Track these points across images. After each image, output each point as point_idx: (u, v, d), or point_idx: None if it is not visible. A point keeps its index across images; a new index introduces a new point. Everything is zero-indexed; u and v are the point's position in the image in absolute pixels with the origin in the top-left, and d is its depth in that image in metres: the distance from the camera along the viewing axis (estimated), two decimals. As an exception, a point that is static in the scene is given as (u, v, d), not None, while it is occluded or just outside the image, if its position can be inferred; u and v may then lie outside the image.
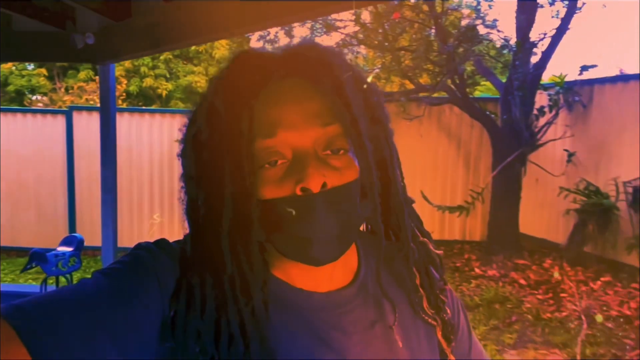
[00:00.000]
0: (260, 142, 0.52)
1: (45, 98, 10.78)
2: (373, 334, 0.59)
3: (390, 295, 0.61)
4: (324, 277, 0.59)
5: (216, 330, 0.51)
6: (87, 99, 9.62)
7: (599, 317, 3.76)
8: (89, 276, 0.53)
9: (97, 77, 10.20)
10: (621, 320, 3.98)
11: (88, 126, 6.36)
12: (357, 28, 6.21)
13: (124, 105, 9.47)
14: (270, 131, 0.52)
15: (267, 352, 0.51)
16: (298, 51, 0.58)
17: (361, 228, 0.66)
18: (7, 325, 0.43)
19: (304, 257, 0.54)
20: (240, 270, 0.53)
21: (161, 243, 0.57)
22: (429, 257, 0.65)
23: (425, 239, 0.65)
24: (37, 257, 3.60)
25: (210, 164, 0.54)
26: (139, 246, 0.56)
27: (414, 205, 0.66)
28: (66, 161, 6.36)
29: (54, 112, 6.62)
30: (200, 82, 11.63)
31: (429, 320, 0.62)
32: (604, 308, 4.19)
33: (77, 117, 6.37)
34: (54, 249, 3.81)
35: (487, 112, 5.97)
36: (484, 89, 8.95)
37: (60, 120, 6.37)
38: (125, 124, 6.26)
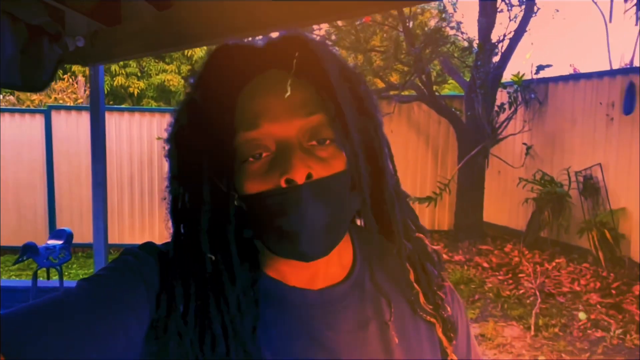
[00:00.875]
0: (244, 135, 0.52)
1: (12, 97, 10.63)
2: (368, 332, 0.57)
3: (388, 292, 0.60)
4: (318, 274, 0.58)
5: (200, 332, 0.50)
6: (56, 98, 9.56)
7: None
8: (73, 270, 0.59)
9: (65, 76, 10.16)
10: (571, 295, 4.42)
11: (67, 125, 6.47)
12: (330, 30, 6.50)
13: (81, 103, 9.40)
14: (253, 123, 0.51)
15: (251, 352, 0.51)
16: (280, 42, 0.56)
17: (358, 223, 0.65)
18: None
19: (292, 253, 0.53)
20: (217, 270, 0.52)
21: (147, 246, 0.57)
22: (425, 253, 0.63)
23: (421, 235, 0.64)
24: (29, 250, 3.76)
25: (192, 160, 0.53)
26: (125, 251, 0.56)
27: None
28: (45, 160, 6.44)
29: (33, 112, 6.67)
30: (172, 80, 11.61)
31: (428, 317, 0.61)
32: (557, 285, 4.64)
33: (55, 116, 6.45)
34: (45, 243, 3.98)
35: (453, 109, 6.38)
36: (452, 87, 9.40)
37: (39, 120, 6.44)
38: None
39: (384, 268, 0.62)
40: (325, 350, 0.55)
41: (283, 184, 0.50)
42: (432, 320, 0.61)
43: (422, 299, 0.61)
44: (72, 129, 6.48)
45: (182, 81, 11.77)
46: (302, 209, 0.50)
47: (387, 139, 0.60)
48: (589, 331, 3.77)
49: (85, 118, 6.50)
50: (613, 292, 4.37)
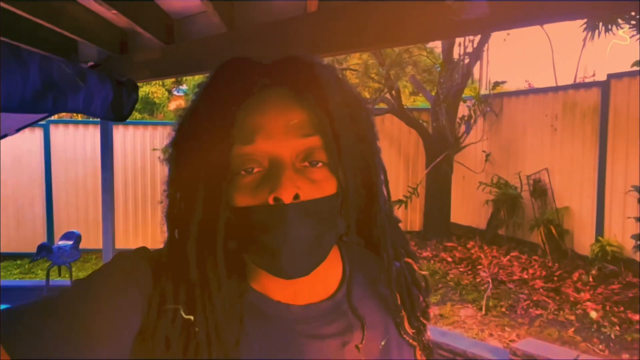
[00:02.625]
0: (239, 148, 0.53)
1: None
2: (351, 348, 0.58)
3: (374, 313, 0.61)
4: (304, 290, 0.59)
5: (185, 338, 0.51)
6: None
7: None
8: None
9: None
10: (520, 282, 5.09)
11: (64, 138, 6.95)
12: (309, 49, 7.16)
13: (79, 118, 9.79)
14: (249, 138, 0.53)
15: None
16: (285, 62, 0.58)
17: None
18: None
19: (273, 269, 0.53)
20: (204, 278, 0.53)
21: (141, 251, 0.58)
22: (413, 278, 0.65)
23: (410, 260, 0.65)
24: (44, 249, 4.24)
25: (190, 167, 0.55)
26: (120, 256, 0.57)
27: None
28: (44, 171, 6.90)
29: (32, 125, 7.12)
30: (157, 93, 11.98)
31: (410, 340, 0.63)
32: (509, 274, 5.30)
33: (54, 130, 6.94)
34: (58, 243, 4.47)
35: (421, 121, 7.07)
36: (423, 99, 10.13)
37: (38, 133, 6.91)
38: (92, 136, 6.89)
39: (373, 290, 0.64)
40: None
41: (271, 201, 0.51)
42: (414, 343, 0.63)
43: (406, 323, 0.63)
44: (70, 142, 6.97)
45: (167, 93, 12.22)
46: (286, 228, 0.51)
47: (383, 166, 0.62)
48: (530, 310, 4.43)
49: (81, 132, 7.00)
50: (555, 278, 5.05)
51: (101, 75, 1.36)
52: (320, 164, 0.54)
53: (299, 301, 0.59)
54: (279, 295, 0.58)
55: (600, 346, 3.70)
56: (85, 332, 0.47)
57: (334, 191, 0.54)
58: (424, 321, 0.65)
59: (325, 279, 0.61)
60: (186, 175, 0.55)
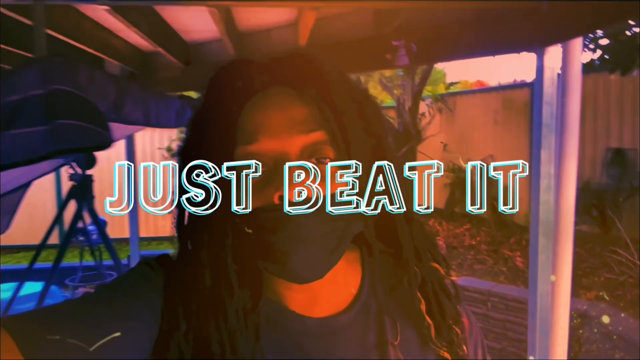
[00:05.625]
0: (242, 149, 0.52)
1: None
2: None
3: (392, 326, 0.58)
4: (319, 299, 0.57)
5: (199, 350, 0.51)
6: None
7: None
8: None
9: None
10: (469, 247, 6.26)
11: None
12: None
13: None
14: (252, 138, 0.52)
15: None
16: (285, 59, 0.57)
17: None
18: (7, 336, 0.43)
19: (284, 273, 0.52)
20: (216, 286, 0.52)
21: (162, 259, 0.58)
22: (440, 284, 0.60)
23: (437, 265, 0.61)
24: (80, 231, 5.13)
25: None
26: (143, 262, 0.58)
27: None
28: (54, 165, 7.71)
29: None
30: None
31: (441, 352, 0.58)
32: (461, 242, 6.46)
33: (62, 132, 7.73)
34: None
35: (388, 117, 8.19)
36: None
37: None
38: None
39: (394, 296, 0.60)
40: None
41: (276, 201, 0.49)
42: (446, 355, 0.58)
43: (433, 332, 0.58)
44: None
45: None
46: (294, 228, 0.49)
47: (397, 162, 0.58)
48: (474, 266, 5.59)
49: (88, 133, 7.80)
50: (497, 242, 6.24)
51: (183, 102, 2.35)
52: (327, 160, 0.52)
53: (315, 312, 0.57)
54: (295, 304, 0.57)
55: (522, 286, 4.87)
56: (108, 341, 0.47)
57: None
58: (458, 331, 0.60)
59: (343, 286, 0.59)
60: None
